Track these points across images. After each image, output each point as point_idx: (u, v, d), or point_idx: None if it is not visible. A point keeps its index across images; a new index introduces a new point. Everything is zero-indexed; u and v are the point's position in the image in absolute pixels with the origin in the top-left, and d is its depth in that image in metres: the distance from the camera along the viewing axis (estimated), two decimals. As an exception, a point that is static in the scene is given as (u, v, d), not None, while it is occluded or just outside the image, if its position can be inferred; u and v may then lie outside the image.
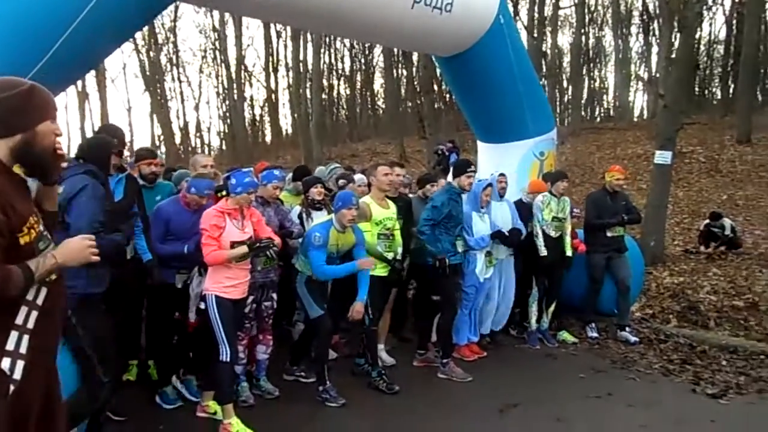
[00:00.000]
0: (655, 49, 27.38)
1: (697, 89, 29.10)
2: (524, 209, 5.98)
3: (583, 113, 32.59)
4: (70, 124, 30.36)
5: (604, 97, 35.07)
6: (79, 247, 1.99)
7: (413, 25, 5.64)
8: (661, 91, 9.14)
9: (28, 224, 1.87)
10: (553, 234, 5.90)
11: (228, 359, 3.76)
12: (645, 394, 4.62)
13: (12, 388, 1.83)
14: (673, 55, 9.77)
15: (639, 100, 34.67)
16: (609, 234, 6.18)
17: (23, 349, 1.86)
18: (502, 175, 5.83)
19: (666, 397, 4.58)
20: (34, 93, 1.89)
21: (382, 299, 4.92)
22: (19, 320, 1.87)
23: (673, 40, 15.65)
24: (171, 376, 4.38)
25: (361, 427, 4.05)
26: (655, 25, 27.17)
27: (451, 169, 5.38)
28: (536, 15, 20.98)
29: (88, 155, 3.34)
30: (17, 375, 1.84)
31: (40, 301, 1.92)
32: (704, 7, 9.22)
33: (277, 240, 4.03)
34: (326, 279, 4.43)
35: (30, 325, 1.89)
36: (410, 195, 5.99)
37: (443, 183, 5.81)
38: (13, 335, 1.85)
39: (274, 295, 4.47)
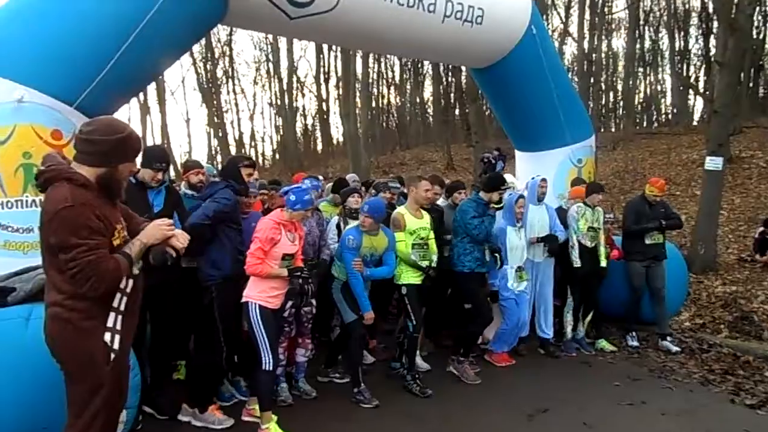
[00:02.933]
0: (713, 51, 26.43)
1: (761, 91, 27.91)
2: (562, 215, 6.01)
3: (639, 118, 31.80)
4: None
5: (662, 100, 34.00)
6: (155, 228, 2.56)
7: (445, 39, 5.79)
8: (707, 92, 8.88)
9: (117, 230, 2.43)
10: (588, 244, 5.91)
11: (270, 368, 3.89)
12: (680, 403, 4.58)
13: (113, 356, 2.40)
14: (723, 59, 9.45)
15: (699, 103, 33.50)
16: (647, 241, 6.12)
17: (119, 326, 2.43)
18: (543, 180, 5.90)
19: (701, 407, 4.52)
20: (126, 140, 2.43)
21: (420, 306, 5.04)
22: (115, 303, 2.42)
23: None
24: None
25: (394, 428, 4.18)
26: (715, 25, 26.24)
27: (486, 180, 5.46)
28: (587, 20, 20.63)
29: (225, 173, 4.21)
30: (116, 346, 2.42)
31: (128, 289, 2.48)
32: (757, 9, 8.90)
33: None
34: (359, 283, 4.56)
35: (122, 307, 2.45)
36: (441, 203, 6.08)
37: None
38: (112, 315, 2.41)
39: (313, 301, 4.65)
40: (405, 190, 6.43)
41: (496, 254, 5.37)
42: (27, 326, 2.99)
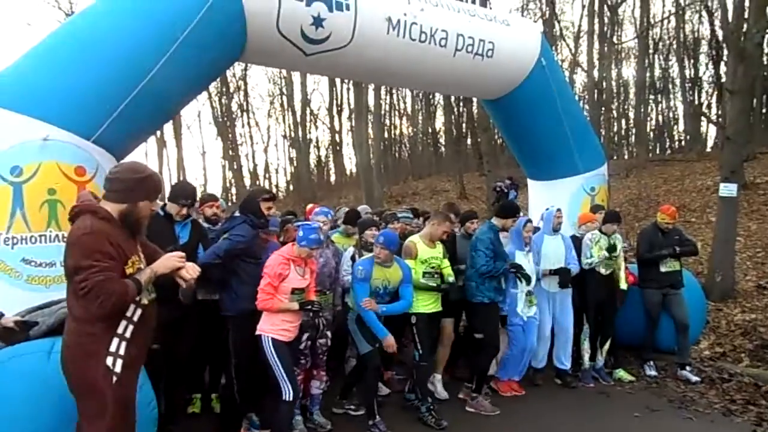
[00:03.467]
0: (724, 78, 26.45)
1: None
2: (577, 243, 6.01)
3: (652, 145, 31.77)
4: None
5: (674, 127, 33.99)
6: (166, 258, 2.77)
7: (456, 73, 5.91)
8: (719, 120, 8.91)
9: (131, 261, 2.65)
10: (603, 271, 5.89)
11: (291, 398, 3.92)
12: (701, 435, 4.51)
13: (114, 379, 2.56)
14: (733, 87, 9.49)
15: (712, 130, 33.42)
16: (663, 269, 6.10)
17: (122, 352, 2.60)
18: (559, 210, 5.93)
19: (722, 438, 4.45)
20: (145, 180, 2.73)
21: (429, 335, 5.05)
22: (120, 330, 2.61)
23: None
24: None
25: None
26: (725, 53, 26.33)
27: (499, 207, 5.51)
28: (596, 49, 20.85)
29: (244, 208, 4.31)
30: (118, 369, 2.57)
31: (135, 318, 2.66)
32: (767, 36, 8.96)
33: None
34: (369, 319, 4.55)
35: (127, 335, 2.63)
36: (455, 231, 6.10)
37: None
38: (115, 341, 2.59)
39: (329, 333, 4.68)
40: (417, 221, 6.50)
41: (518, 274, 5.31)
42: (49, 360, 3.04)
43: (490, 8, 23.38)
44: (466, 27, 5.77)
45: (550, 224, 5.83)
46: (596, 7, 20.71)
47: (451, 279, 5.03)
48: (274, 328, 3.97)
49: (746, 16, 9.00)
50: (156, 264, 2.74)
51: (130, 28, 4.22)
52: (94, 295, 2.44)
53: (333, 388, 5.16)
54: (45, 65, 4.11)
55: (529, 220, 5.52)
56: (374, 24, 5.23)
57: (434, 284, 4.92)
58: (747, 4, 9.25)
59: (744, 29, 9.18)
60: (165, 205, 4.27)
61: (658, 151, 30.15)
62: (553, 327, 5.84)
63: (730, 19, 13.16)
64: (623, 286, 5.99)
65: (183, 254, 2.83)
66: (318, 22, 4.94)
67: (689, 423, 4.81)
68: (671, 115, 33.39)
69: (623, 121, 34.77)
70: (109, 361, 2.55)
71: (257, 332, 3.99)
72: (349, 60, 5.35)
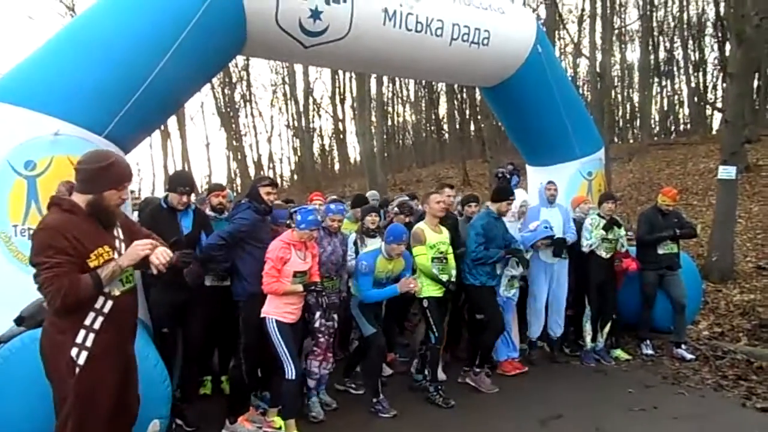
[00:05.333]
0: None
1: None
2: (576, 227, 6.15)
3: (657, 128, 31.69)
4: (155, 160, 32.43)
5: (680, 111, 33.84)
6: (132, 250, 2.69)
7: (453, 61, 6.02)
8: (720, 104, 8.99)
9: (96, 253, 2.61)
10: (604, 255, 6.02)
11: (294, 377, 4.10)
12: (692, 408, 4.68)
13: (77, 370, 2.57)
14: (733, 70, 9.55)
15: (717, 113, 33.20)
16: (660, 251, 6.22)
17: (89, 343, 2.59)
18: (550, 182, 6.13)
19: (713, 411, 4.62)
20: (109, 168, 2.67)
21: (441, 319, 5.20)
22: (87, 322, 2.61)
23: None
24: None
25: (411, 436, 4.35)
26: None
27: (493, 191, 5.66)
28: (599, 32, 20.77)
29: (249, 195, 4.49)
30: (81, 361, 2.58)
31: (106, 310, 2.65)
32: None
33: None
34: (371, 302, 4.77)
35: (96, 326, 2.62)
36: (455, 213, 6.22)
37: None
38: (82, 332, 2.60)
39: (335, 316, 4.84)
40: (419, 206, 6.65)
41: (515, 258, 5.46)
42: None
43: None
44: (462, 16, 5.86)
45: (543, 197, 6.06)
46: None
47: (453, 272, 5.15)
48: (278, 310, 4.15)
49: (745, -2, 9.02)
50: (121, 258, 2.69)
51: (136, 26, 4.35)
52: (45, 291, 2.48)
53: (337, 369, 5.35)
54: (54, 63, 4.26)
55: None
56: (371, 15, 5.33)
57: (444, 278, 5.03)
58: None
59: (743, 12, 9.20)
60: (167, 196, 4.42)
61: (664, 135, 30.03)
62: (547, 297, 6.02)
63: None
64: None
65: (148, 242, 2.75)
66: (316, 14, 5.06)
67: (681, 397, 4.98)
68: (676, 98, 33.26)
69: (628, 105, 34.68)
70: (74, 352, 2.57)
71: (262, 314, 4.16)
72: (347, 51, 5.47)
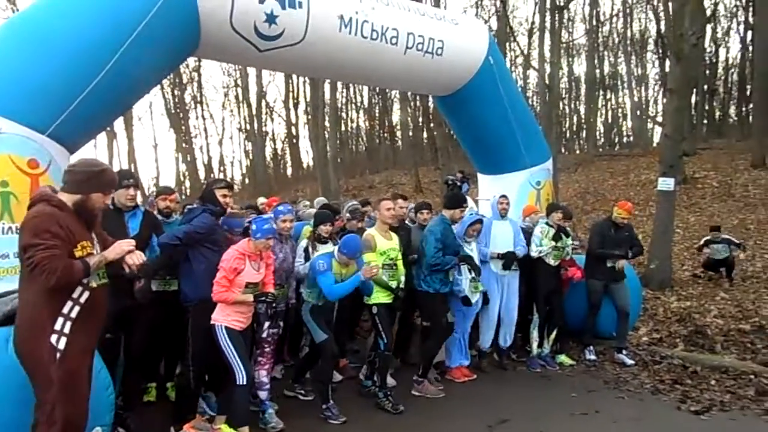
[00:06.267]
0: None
1: (718, 114, 29.12)
2: (525, 236, 6.29)
3: (603, 140, 32.80)
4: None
5: (623, 123, 35.17)
6: (117, 246, 2.98)
7: (407, 69, 6.10)
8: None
9: (81, 244, 2.84)
10: (552, 262, 6.19)
11: (245, 382, 4.04)
12: (630, 412, 4.87)
13: (58, 355, 2.76)
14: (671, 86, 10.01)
15: (658, 126, 34.62)
16: (609, 264, 6.38)
17: (66, 330, 2.80)
18: (503, 196, 6.23)
19: (650, 414, 4.82)
20: (100, 174, 2.96)
21: (390, 325, 5.24)
22: (65, 310, 2.81)
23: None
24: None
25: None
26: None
27: (447, 198, 5.76)
28: (547, 46, 21.38)
29: (203, 198, 4.47)
30: (61, 346, 2.78)
31: (82, 300, 2.86)
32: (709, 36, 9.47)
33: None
34: (339, 297, 4.75)
35: (73, 315, 2.83)
36: (407, 223, 6.27)
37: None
38: (60, 320, 2.80)
39: (281, 323, 4.84)
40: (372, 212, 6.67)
41: (467, 265, 5.51)
42: (7, 348, 3.07)
43: (445, 7, 23.70)
44: (417, 26, 5.96)
45: (496, 210, 6.16)
46: (548, 5, 21.22)
47: (402, 278, 5.21)
48: (228, 318, 4.09)
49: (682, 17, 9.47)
50: (108, 249, 2.96)
51: (85, 23, 4.23)
52: (40, 270, 2.64)
53: (286, 375, 5.34)
54: (-2, 59, 4.10)
55: (479, 221, 5.66)
56: (327, 21, 5.36)
57: (393, 285, 5.08)
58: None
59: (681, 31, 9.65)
60: (113, 198, 4.28)
61: (609, 147, 31.14)
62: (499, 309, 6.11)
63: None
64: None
65: (133, 242, 3.05)
66: (271, 18, 5.04)
67: (620, 401, 5.17)
68: (620, 111, 34.59)
69: (575, 117, 35.80)
70: (53, 338, 2.76)
71: (212, 321, 4.10)
72: (302, 56, 5.47)
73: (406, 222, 6.16)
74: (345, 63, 5.79)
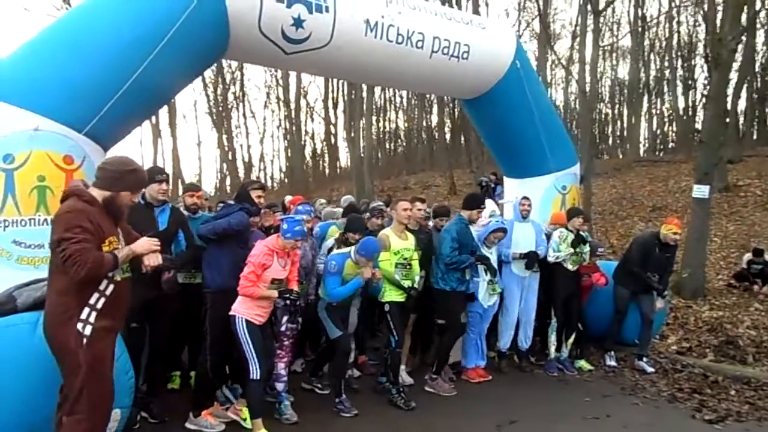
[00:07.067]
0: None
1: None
2: (547, 240, 6.30)
3: (649, 144, 32.08)
4: (144, 158, 32.37)
5: (669, 129, 34.24)
6: (145, 242, 3.15)
7: (432, 73, 6.20)
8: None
9: (109, 240, 3.00)
10: (570, 267, 6.19)
11: (258, 377, 4.18)
12: (643, 418, 4.86)
13: (84, 341, 2.92)
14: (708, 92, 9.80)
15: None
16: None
17: (92, 319, 2.96)
18: (525, 198, 6.28)
19: (662, 421, 4.79)
20: (130, 174, 3.12)
21: (403, 323, 5.36)
22: (92, 301, 2.98)
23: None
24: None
25: (370, 436, 4.48)
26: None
27: (465, 199, 5.84)
28: (588, 50, 21.07)
29: (239, 197, 4.72)
30: (87, 332, 2.94)
31: (108, 292, 3.02)
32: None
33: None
34: (340, 299, 4.88)
35: (99, 306, 2.99)
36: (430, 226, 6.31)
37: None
38: (86, 310, 2.96)
39: (299, 319, 4.98)
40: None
41: (484, 266, 5.59)
42: (35, 331, 3.30)
43: (487, 10, 23.54)
44: (443, 30, 6.05)
45: (517, 212, 6.22)
46: (589, 8, 20.91)
47: (417, 278, 5.30)
48: (249, 311, 4.23)
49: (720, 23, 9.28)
50: (135, 244, 3.12)
51: (120, 28, 4.47)
52: (72, 262, 2.78)
53: (306, 369, 5.53)
54: (38, 59, 4.37)
55: (501, 230, 5.72)
56: (353, 26, 5.50)
57: (406, 285, 5.18)
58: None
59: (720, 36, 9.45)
60: (144, 193, 4.50)
61: (655, 152, 30.43)
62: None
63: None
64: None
65: (158, 241, 3.20)
66: (298, 22, 5.21)
67: (635, 408, 5.15)
68: (666, 117, 33.69)
69: (618, 123, 35.10)
70: (80, 326, 2.92)
71: (231, 312, 4.24)
72: (328, 59, 5.63)
73: (428, 227, 6.20)
74: (370, 66, 5.92)
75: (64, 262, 2.80)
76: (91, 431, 2.97)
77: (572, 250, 6.11)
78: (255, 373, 4.18)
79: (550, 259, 6.13)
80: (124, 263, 3.05)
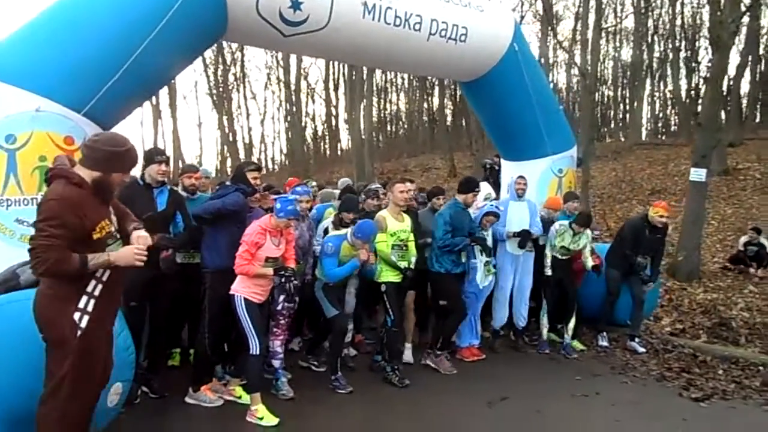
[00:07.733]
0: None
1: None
2: (543, 224, 6.38)
3: (651, 127, 31.99)
4: (145, 139, 32.39)
5: (672, 112, 34.11)
6: (129, 253, 2.89)
7: (430, 55, 6.24)
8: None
9: (100, 226, 2.83)
10: (560, 257, 6.26)
11: (257, 352, 4.30)
12: (631, 396, 4.98)
13: (79, 332, 2.79)
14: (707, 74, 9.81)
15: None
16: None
17: (90, 308, 2.84)
18: (520, 177, 6.36)
19: (650, 399, 4.92)
20: (124, 154, 2.88)
21: (398, 302, 5.45)
22: (89, 288, 2.85)
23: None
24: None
25: (365, 411, 4.62)
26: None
27: (460, 183, 5.91)
28: (590, 32, 20.96)
29: (235, 179, 4.76)
30: (83, 324, 2.81)
31: (104, 278, 2.89)
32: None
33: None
34: (337, 280, 4.99)
35: (96, 293, 2.87)
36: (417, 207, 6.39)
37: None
38: (84, 298, 2.83)
39: (296, 298, 5.05)
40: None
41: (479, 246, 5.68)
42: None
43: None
44: (441, 12, 6.07)
45: (513, 191, 6.30)
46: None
47: (413, 259, 5.39)
48: (247, 290, 4.33)
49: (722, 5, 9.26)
50: (116, 255, 2.85)
51: (119, 9, 4.53)
52: (33, 255, 2.65)
53: (304, 347, 5.65)
54: (38, 41, 4.44)
55: (493, 214, 5.77)
56: (350, 8, 5.53)
57: (402, 265, 5.28)
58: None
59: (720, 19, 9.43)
60: (143, 174, 4.58)
61: (657, 135, 30.36)
62: (512, 288, 6.25)
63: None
64: (589, 265, 6.28)
65: (142, 249, 2.93)
66: (296, 5, 5.24)
67: (623, 386, 5.28)
68: (668, 99, 33.52)
69: (621, 105, 34.97)
70: (77, 316, 2.79)
71: (230, 292, 4.35)
72: (326, 42, 5.67)
73: (415, 207, 6.25)
74: (368, 48, 5.96)
75: (29, 252, 2.66)
76: (61, 421, 2.81)
77: (566, 245, 6.17)
78: (254, 348, 4.29)
79: (547, 252, 6.23)
80: (98, 268, 2.83)
